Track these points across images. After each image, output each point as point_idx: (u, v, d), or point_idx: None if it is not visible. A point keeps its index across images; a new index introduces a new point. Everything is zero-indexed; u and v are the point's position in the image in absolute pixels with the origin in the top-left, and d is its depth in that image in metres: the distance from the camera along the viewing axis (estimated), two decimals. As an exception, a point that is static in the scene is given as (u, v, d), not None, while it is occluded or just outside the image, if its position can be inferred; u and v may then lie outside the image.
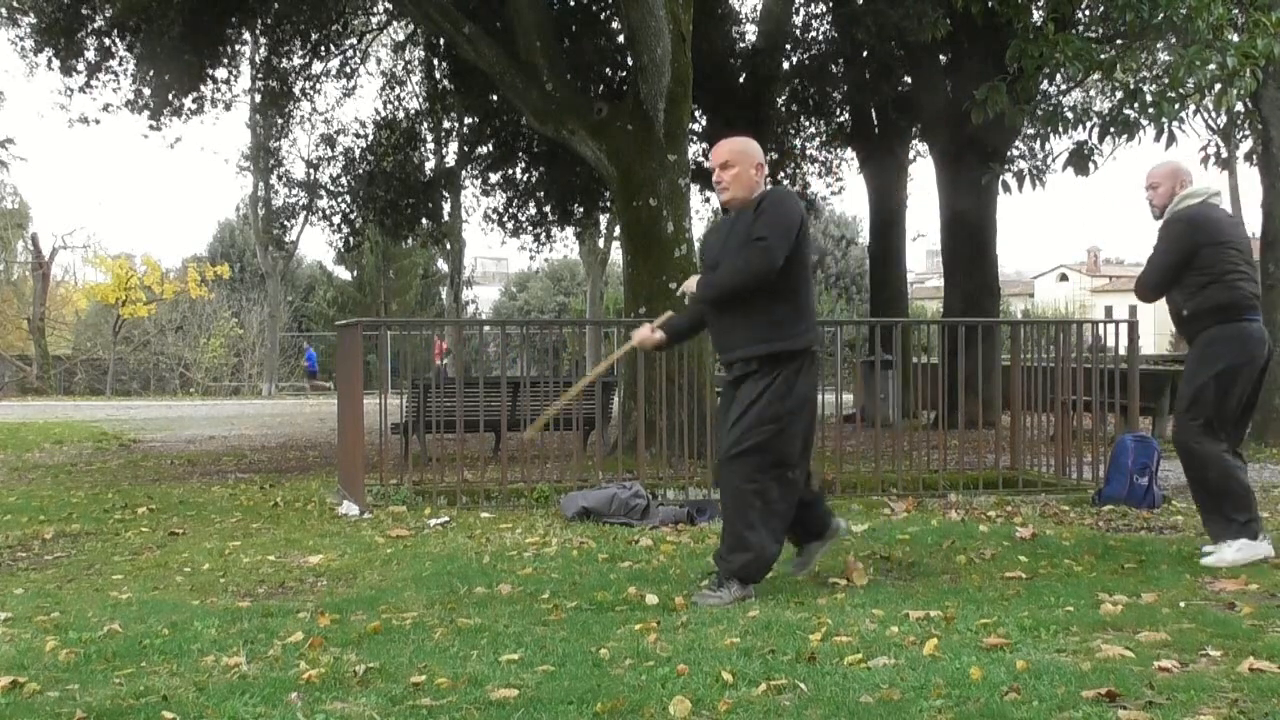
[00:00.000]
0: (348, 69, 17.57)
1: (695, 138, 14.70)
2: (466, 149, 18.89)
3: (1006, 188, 10.94)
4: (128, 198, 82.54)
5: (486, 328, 16.81)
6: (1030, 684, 3.15)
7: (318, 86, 17.43)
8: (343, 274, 40.91)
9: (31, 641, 3.97)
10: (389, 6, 16.51)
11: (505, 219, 18.06)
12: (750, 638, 3.77)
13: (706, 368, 9.35)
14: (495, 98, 14.55)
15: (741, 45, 15.86)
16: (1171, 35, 10.25)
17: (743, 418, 4.45)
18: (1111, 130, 9.68)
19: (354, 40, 17.57)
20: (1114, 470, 7.40)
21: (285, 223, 22.63)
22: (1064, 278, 59.92)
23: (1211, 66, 8.93)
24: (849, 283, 41.95)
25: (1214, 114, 18.46)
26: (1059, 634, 3.75)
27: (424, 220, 18.17)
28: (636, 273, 10.12)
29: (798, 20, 16.30)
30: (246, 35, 15.64)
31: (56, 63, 13.60)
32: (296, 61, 16.35)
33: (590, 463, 8.65)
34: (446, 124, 19.09)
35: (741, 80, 14.88)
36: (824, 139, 18.65)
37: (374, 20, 18.01)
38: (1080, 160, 10.10)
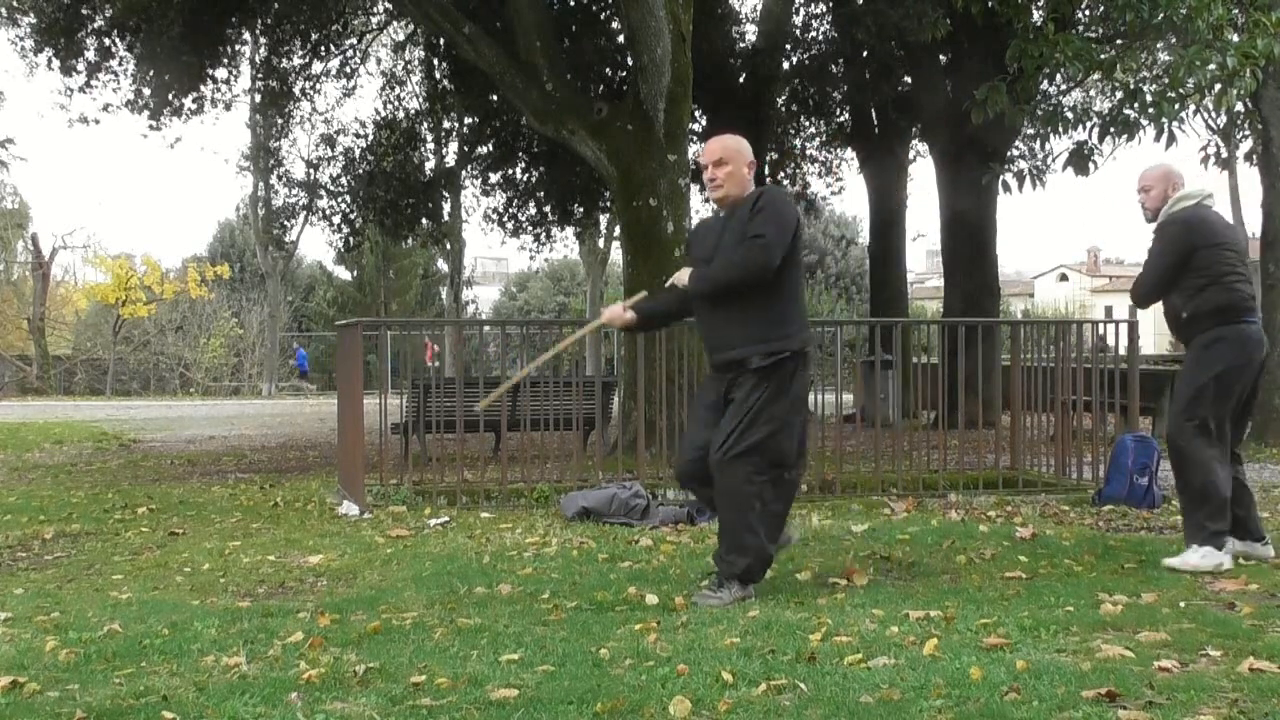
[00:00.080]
0: (348, 69, 17.58)
1: (695, 138, 14.70)
2: (466, 149, 18.89)
3: (1006, 188, 10.95)
4: (128, 198, 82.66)
5: (486, 328, 16.80)
6: (1030, 684, 3.15)
7: (318, 86, 17.45)
8: (343, 274, 40.92)
9: (31, 641, 3.97)
10: (389, 6, 16.51)
11: (505, 219, 18.07)
12: (750, 638, 3.77)
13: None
14: (495, 98, 14.55)
15: (741, 45, 15.87)
16: (1171, 35, 10.26)
17: (739, 419, 4.43)
18: (1111, 130, 9.68)
19: (354, 40, 17.57)
20: (1114, 470, 7.40)
21: (285, 223, 22.64)
22: (1064, 278, 59.94)
23: (1211, 66, 8.93)
24: (849, 283, 41.95)
25: (1214, 114, 18.46)
26: (1059, 634, 3.75)
27: (424, 220, 18.18)
28: (636, 273, 10.11)
29: (798, 20, 16.31)
30: (246, 35, 15.65)
31: (56, 63, 13.61)
32: (296, 61, 16.36)
33: (590, 463, 8.65)
34: (446, 124, 19.10)
35: (741, 80, 14.88)
36: (824, 139, 18.66)
37: (374, 20, 18.01)
38: (1080, 160, 10.10)
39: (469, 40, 10.74)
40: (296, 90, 16.88)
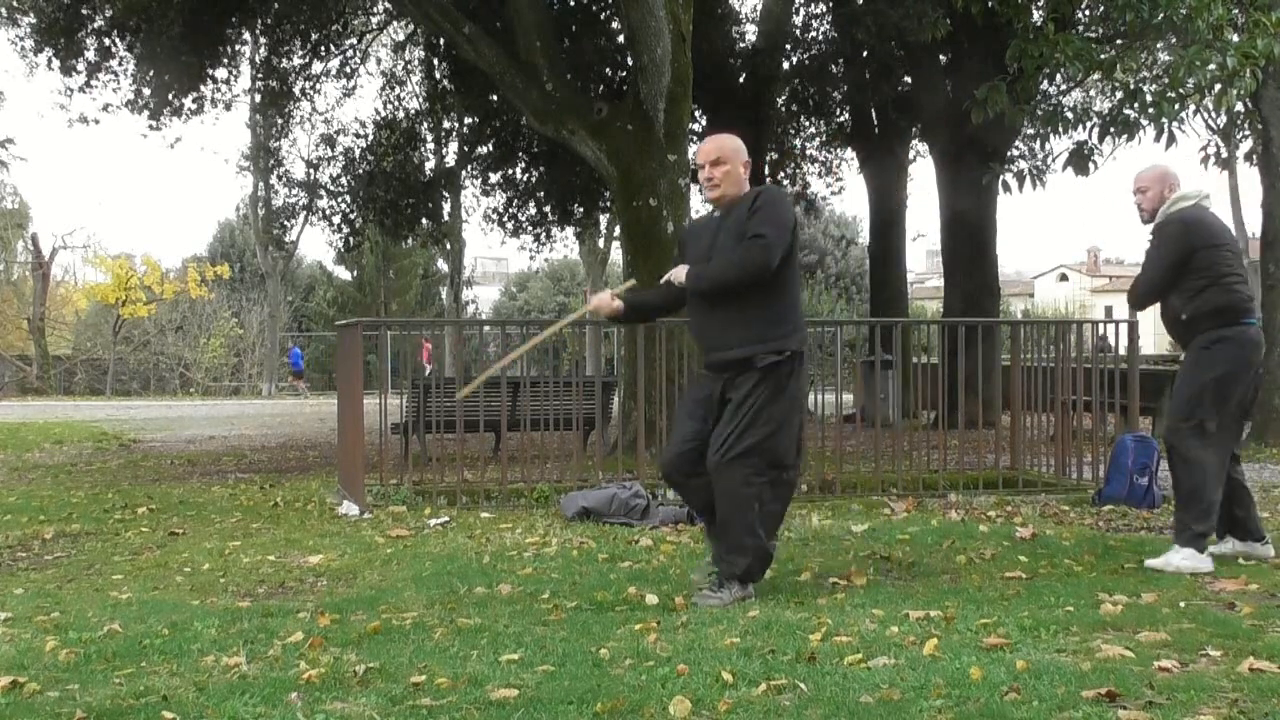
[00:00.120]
0: (348, 69, 17.58)
1: (695, 138, 14.70)
2: (466, 149, 18.89)
3: (1006, 188, 10.95)
4: (128, 198, 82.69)
5: (486, 328, 16.80)
6: (1030, 684, 3.15)
7: (318, 86, 17.46)
8: (343, 274, 40.93)
9: (31, 641, 3.97)
10: (389, 6, 16.51)
11: (505, 219, 18.07)
12: (750, 638, 3.77)
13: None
14: (495, 98, 14.56)
15: (741, 45, 15.88)
16: (1171, 35, 10.26)
17: (738, 419, 4.42)
18: (1111, 130, 9.69)
19: (354, 40, 17.58)
20: (1114, 470, 7.40)
21: (285, 223, 22.63)
22: (1064, 278, 59.95)
23: (1211, 66, 8.93)
24: (849, 283, 41.93)
25: (1214, 114, 18.48)
26: (1059, 634, 3.75)
27: (424, 220, 18.18)
28: (636, 273, 10.10)
29: (798, 20, 16.32)
30: (246, 35, 15.65)
31: (56, 63, 13.61)
32: (296, 61, 16.36)
33: (590, 463, 8.65)
34: (446, 124, 19.10)
35: (741, 80, 14.89)
36: (824, 139, 18.66)
37: (374, 20, 18.01)
38: (1080, 160, 10.10)
39: (469, 40, 10.74)
40: (296, 90, 16.89)
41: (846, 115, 17.40)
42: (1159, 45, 12.00)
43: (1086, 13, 12.18)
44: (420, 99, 18.81)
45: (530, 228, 18.18)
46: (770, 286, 4.46)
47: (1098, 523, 6.63)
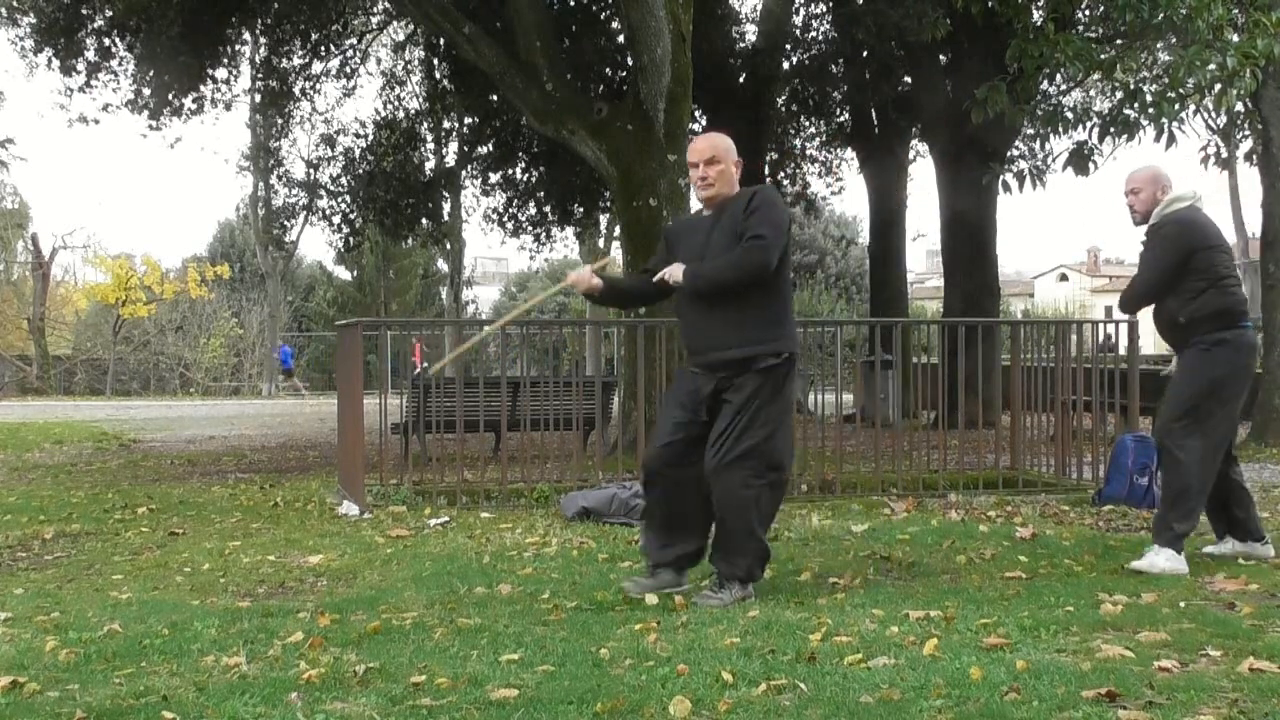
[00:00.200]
0: (348, 69, 17.59)
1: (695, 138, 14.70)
2: (466, 149, 18.90)
3: (1006, 188, 10.95)
4: (128, 198, 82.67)
5: (486, 328, 16.79)
6: (1030, 684, 3.15)
7: (318, 86, 17.46)
8: (343, 274, 40.94)
9: (31, 641, 3.97)
10: (389, 6, 16.51)
11: (505, 219, 18.07)
12: (750, 638, 3.77)
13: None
14: (495, 98, 14.56)
15: (741, 45, 15.88)
16: (1171, 35, 10.26)
17: (736, 421, 4.40)
18: (1111, 130, 9.69)
19: (354, 40, 17.58)
20: (1114, 470, 7.40)
21: (285, 223, 22.65)
22: (1064, 278, 59.95)
23: (1211, 66, 8.93)
24: (849, 283, 41.91)
25: (1214, 114, 18.46)
26: (1059, 634, 3.75)
27: (424, 220, 18.18)
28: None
29: (798, 20, 16.32)
30: (246, 35, 15.66)
31: (56, 63, 13.62)
32: (296, 61, 16.37)
33: (590, 463, 8.65)
34: (446, 124, 19.10)
35: (741, 80, 14.89)
36: (824, 139, 18.66)
37: (374, 20, 18.01)
38: (1080, 160, 10.10)
39: (469, 40, 10.74)
40: (296, 90, 16.89)
41: (846, 115, 17.40)
42: (1159, 45, 12.00)
43: (1086, 13, 12.18)
44: (420, 99, 18.81)
45: (530, 228, 18.18)
46: (767, 287, 4.46)
47: (1098, 523, 6.63)
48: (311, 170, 18.21)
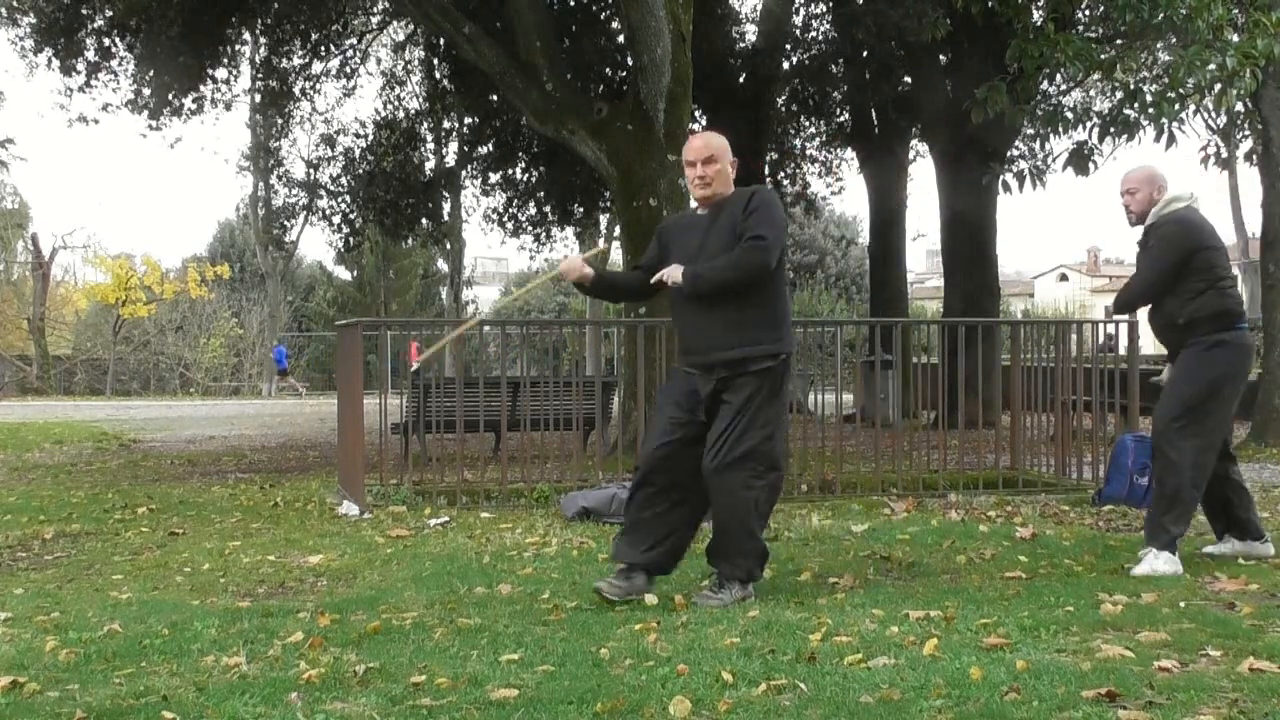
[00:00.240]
0: (348, 69, 17.59)
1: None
2: (466, 149, 18.90)
3: (1006, 188, 10.95)
4: (128, 198, 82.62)
5: (486, 328, 16.81)
6: (1030, 684, 3.15)
7: (318, 86, 17.46)
8: (343, 274, 40.94)
9: (31, 641, 3.97)
10: (389, 6, 16.52)
11: (505, 219, 18.07)
12: (750, 638, 3.77)
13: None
14: (495, 98, 14.56)
15: (741, 45, 15.88)
16: (1171, 35, 10.25)
17: (734, 422, 4.40)
18: (1111, 130, 9.68)
19: (354, 40, 17.58)
20: (1114, 470, 7.35)
21: (285, 223, 22.65)
22: (1064, 278, 59.96)
23: (1211, 66, 8.93)
24: (849, 283, 41.92)
25: (1214, 114, 18.46)
26: (1059, 634, 3.75)
27: (424, 220, 18.18)
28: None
29: (798, 20, 16.32)
30: (246, 35, 15.66)
31: (56, 63, 13.62)
32: (296, 61, 16.37)
33: (590, 463, 8.65)
34: (446, 124, 19.10)
35: (741, 80, 14.89)
36: (824, 139, 18.66)
37: (374, 20, 18.01)
38: (1080, 160, 10.10)
39: (469, 40, 10.74)
40: (296, 90, 16.89)
41: (846, 115, 17.41)
42: (1159, 45, 12.00)
43: (1086, 13, 12.18)
44: (420, 99, 18.81)
45: (530, 228, 18.18)
46: (766, 288, 4.47)
47: (1098, 523, 6.63)
48: (311, 170, 18.23)
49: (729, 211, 4.52)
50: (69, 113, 34.34)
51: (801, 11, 16.39)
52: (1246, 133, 16.43)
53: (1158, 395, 5.30)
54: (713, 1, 13.87)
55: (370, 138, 17.70)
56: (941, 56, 14.70)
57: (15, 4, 13.57)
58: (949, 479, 8.10)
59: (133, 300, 32.28)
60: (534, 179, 17.21)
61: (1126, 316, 8.32)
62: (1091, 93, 17.76)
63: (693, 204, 4.81)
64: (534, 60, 10.49)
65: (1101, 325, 10.07)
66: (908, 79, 15.64)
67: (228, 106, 15.96)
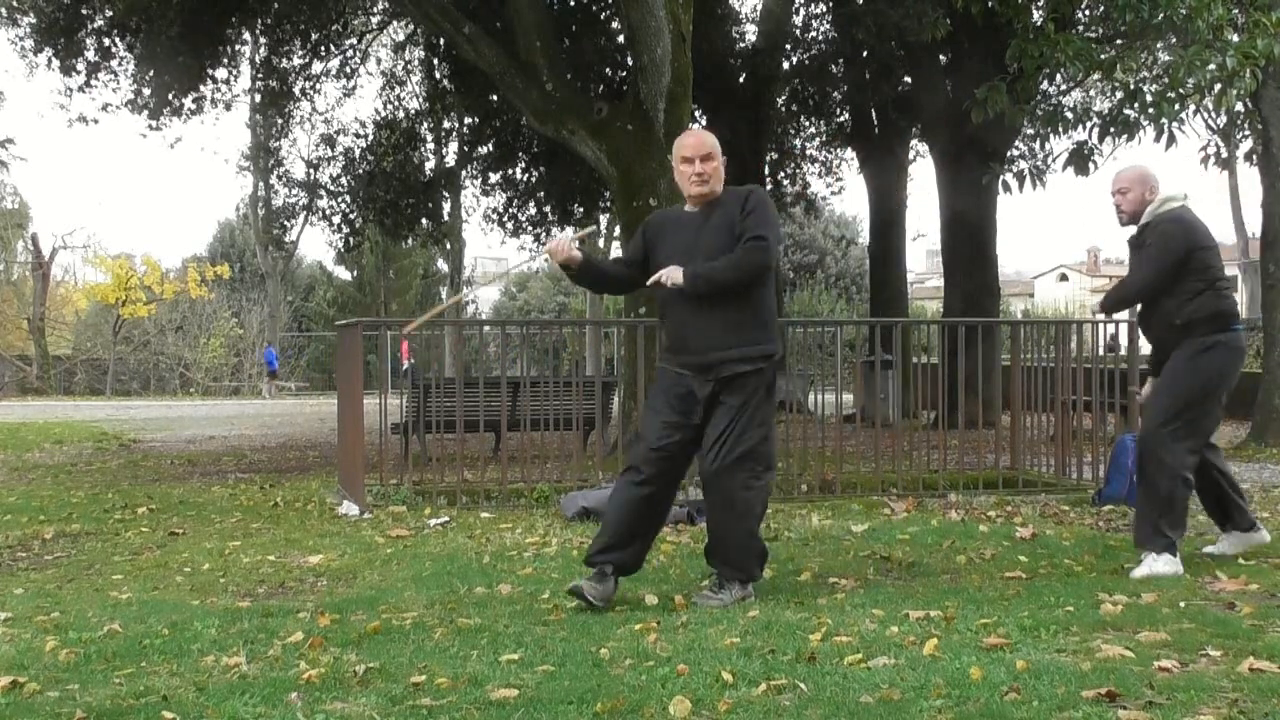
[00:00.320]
0: (348, 69, 17.59)
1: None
2: (466, 149, 18.90)
3: (1006, 188, 10.95)
4: (128, 198, 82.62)
5: (486, 328, 16.81)
6: (1030, 684, 3.15)
7: (318, 86, 17.47)
8: (343, 274, 40.95)
9: (31, 641, 3.97)
10: (389, 6, 16.52)
11: (505, 219, 18.07)
12: (750, 638, 3.77)
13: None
14: (495, 98, 14.56)
15: (741, 45, 15.89)
16: (1171, 35, 10.26)
17: (732, 423, 4.40)
18: (1111, 130, 9.68)
19: (354, 40, 17.58)
20: (1114, 470, 7.39)
21: (285, 223, 22.65)
22: (1064, 278, 59.97)
23: (1211, 66, 8.93)
24: (849, 283, 41.93)
25: (1214, 114, 18.47)
26: (1059, 634, 3.75)
27: (424, 220, 18.18)
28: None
29: (798, 20, 16.34)
30: (246, 35, 15.65)
31: (56, 63, 13.62)
32: (296, 61, 16.37)
33: (590, 463, 8.65)
34: (446, 124, 19.11)
35: (741, 80, 14.90)
36: (824, 139, 18.67)
37: (374, 20, 18.02)
38: (1080, 160, 10.10)
39: (469, 40, 10.74)
40: (296, 90, 16.90)
41: (846, 115, 17.41)
42: (1159, 45, 12.00)
43: (1086, 13, 12.18)
44: (420, 99, 18.81)
45: (530, 228, 18.18)
46: (763, 288, 4.49)
47: (1098, 523, 6.63)
48: (311, 170, 18.23)
49: (723, 211, 4.51)
50: (69, 113, 34.31)
51: (801, 11, 16.41)
52: (1246, 133, 16.44)
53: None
54: (713, 1, 13.88)
55: (370, 138, 17.71)
56: (941, 56, 14.70)
57: (15, 4, 13.57)
58: (949, 479, 8.10)
59: (133, 300, 32.29)
60: (534, 179, 17.22)
61: (1125, 316, 8.35)
62: (1091, 93, 17.76)
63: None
64: (534, 60, 10.49)
65: (1101, 326, 10.07)
66: (908, 79, 15.64)
67: (228, 106, 15.98)
